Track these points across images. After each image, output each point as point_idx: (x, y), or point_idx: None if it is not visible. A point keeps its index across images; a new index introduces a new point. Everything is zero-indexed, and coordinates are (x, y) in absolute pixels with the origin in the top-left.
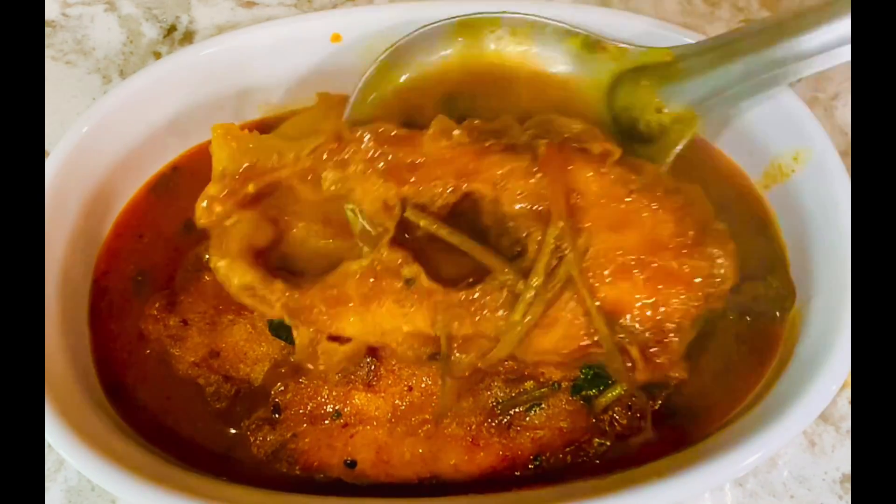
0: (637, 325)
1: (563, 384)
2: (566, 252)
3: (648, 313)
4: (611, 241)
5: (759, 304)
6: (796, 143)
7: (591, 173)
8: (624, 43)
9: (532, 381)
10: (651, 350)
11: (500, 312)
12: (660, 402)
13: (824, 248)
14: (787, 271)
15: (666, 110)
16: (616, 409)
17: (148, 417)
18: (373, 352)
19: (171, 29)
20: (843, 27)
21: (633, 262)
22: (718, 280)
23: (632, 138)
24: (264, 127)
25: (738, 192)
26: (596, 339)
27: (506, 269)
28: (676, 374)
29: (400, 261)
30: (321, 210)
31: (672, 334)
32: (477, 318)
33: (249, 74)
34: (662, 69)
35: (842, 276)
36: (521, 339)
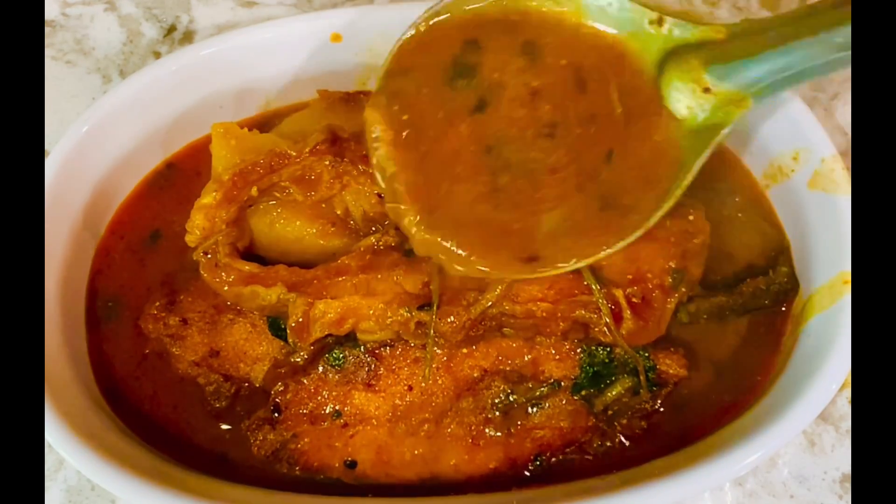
0: (619, 279)
1: (564, 383)
2: None
3: (629, 272)
4: None
5: (760, 299)
6: (796, 143)
7: None
8: (676, 18)
9: (532, 381)
10: (635, 302)
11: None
12: (660, 401)
13: (824, 248)
14: (791, 263)
15: (714, 90)
16: (616, 408)
17: (147, 417)
18: (373, 352)
19: (171, 29)
20: None
21: None
22: (691, 233)
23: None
24: (264, 125)
25: (741, 185)
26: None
27: None
28: (676, 373)
29: (401, 239)
30: (318, 208)
31: (655, 291)
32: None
33: (249, 74)
34: (713, 47)
35: (841, 276)
36: (507, 284)
